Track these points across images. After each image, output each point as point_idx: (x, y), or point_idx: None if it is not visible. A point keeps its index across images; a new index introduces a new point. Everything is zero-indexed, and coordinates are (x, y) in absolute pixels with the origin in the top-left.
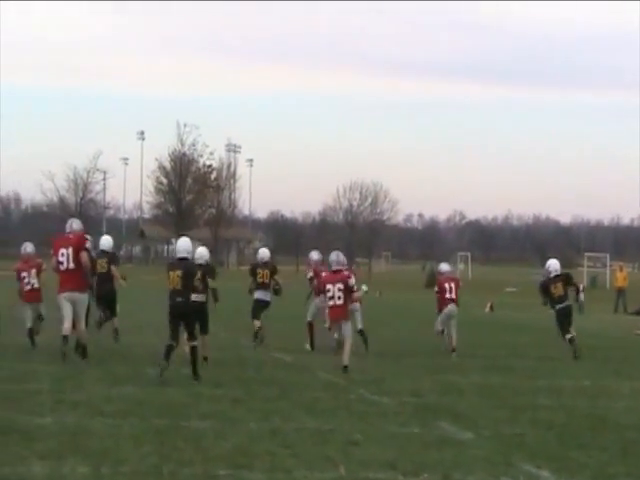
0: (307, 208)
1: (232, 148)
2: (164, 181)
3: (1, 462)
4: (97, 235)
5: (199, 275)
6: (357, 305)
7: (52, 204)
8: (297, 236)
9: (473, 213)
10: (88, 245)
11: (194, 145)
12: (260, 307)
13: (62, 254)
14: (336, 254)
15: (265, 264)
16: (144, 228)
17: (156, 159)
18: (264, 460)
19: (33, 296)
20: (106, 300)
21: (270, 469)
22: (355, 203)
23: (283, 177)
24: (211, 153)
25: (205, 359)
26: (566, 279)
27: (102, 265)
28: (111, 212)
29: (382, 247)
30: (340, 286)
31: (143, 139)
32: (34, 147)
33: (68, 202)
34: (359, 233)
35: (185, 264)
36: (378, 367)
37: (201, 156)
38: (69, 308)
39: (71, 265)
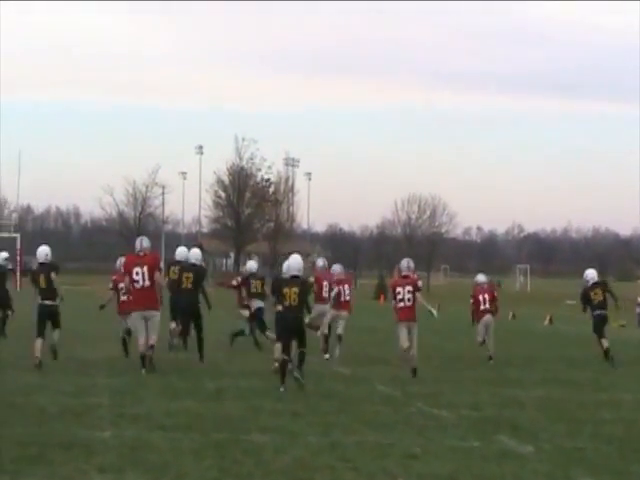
0: (365, 221)
1: (290, 162)
2: (222, 195)
3: (62, 476)
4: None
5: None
6: (345, 313)
7: (111, 219)
8: (355, 249)
9: (532, 226)
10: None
11: (252, 159)
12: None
13: (137, 273)
14: (406, 261)
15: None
16: (203, 242)
17: (214, 173)
18: (324, 474)
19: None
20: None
21: None
22: (413, 216)
23: (341, 190)
24: (269, 167)
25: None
26: (604, 286)
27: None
28: (170, 226)
29: (440, 260)
30: (410, 289)
31: (202, 153)
32: (94, 161)
33: (127, 217)
34: (417, 246)
35: (301, 281)
36: (437, 380)
37: (259, 170)
38: (143, 325)
39: (146, 283)
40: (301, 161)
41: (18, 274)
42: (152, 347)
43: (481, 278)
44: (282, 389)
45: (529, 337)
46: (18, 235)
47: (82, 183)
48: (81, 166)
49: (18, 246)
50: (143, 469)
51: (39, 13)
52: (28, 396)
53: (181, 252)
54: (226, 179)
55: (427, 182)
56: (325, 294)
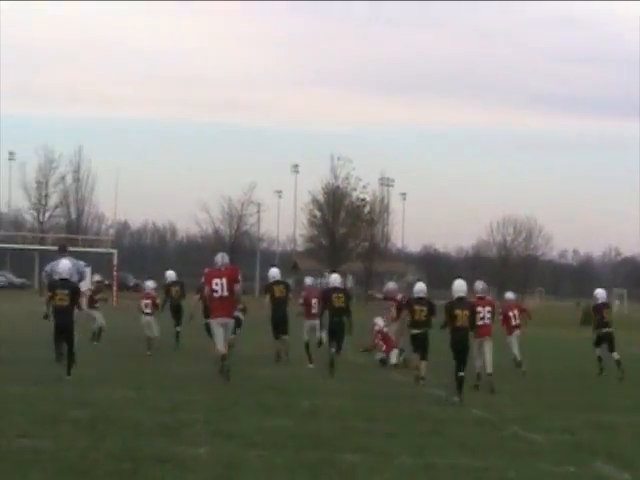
0: (460, 242)
1: (385, 182)
2: (317, 214)
3: None
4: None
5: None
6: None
7: (206, 235)
8: (450, 270)
9: (629, 249)
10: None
11: (347, 178)
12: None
13: (216, 284)
14: (480, 283)
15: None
16: (297, 261)
17: (310, 192)
18: None
19: None
20: (282, 321)
21: None
22: (509, 238)
23: (436, 211)
24: (364, 186)
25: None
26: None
27: (280, 290)
28: (264, 244)
29: (536, 283)
30: (489, 309)
31: (297, 172)
32: (190, 178)
33: (222, 234)
34: (512, 268)
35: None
36: (531, 404)
37: (354, 189)
38: (221, 332)
39: (225, 293)
40: (396, 181)
41: (115, 289)
42: (230, 347)
43: (509, 295)
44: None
45: (625, 362)
46: (115, 251)
47: (178, 200)
48: (178, 183)
49: (115, 262)
50: None
51: (135, 36)
52: (124, 411)
53: (274, 272)
54: (321, 198)
55: (523, 204)
56: (314, 310)
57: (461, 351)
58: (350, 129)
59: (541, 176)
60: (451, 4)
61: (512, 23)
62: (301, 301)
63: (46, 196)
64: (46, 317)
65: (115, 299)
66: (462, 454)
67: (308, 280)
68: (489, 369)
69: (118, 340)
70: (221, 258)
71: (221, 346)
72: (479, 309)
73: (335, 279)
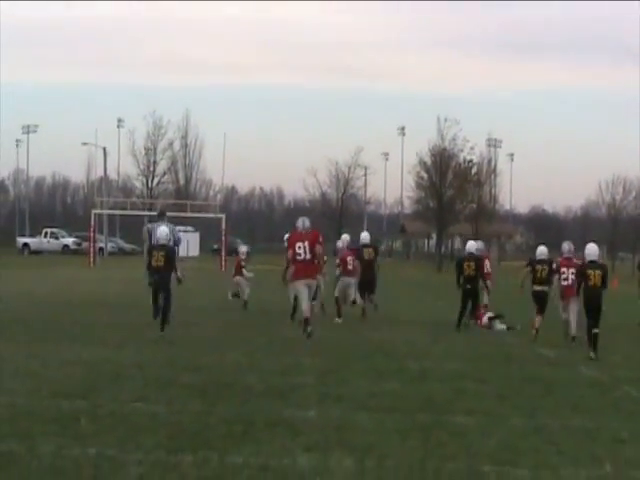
0: (569, 202)
1: (493, 143)
2: (424, 176)
3: (268, 454)
4: (358, 230)
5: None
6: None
7: (314, 199)
8: (559, 231)
9: None
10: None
11: (454, 140)
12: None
13: (299, 247)
14: (568, 244)
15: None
16: (405, 223)
17: (417, 154)
18: (529, 457)
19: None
20: (371, 281)
21: (535, 466)
22: (618, 197)
23: (545, 172)
24: (472, 148)
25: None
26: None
27: (369, 253)
28: (372, 207)
29: None
30: (573, 270)
31: (404, 134)
32: (298, 143)
33: (330, 198)
34: (622, 228)
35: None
36: None
37: (462, 151)
38: (306, 292)
39: (308, 256)
40: (504, 142)
41: (223, 254)
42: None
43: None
44: None
45: None
46: (223, 216)
47: (286, 164)
48: (285, 148)
49: (223, 226)
50: (348, 449)
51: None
52: (236, 375)
53: (365, 236)
54: (428, 160)
55: (632, 163)
56: (349, 267)
57: (593, 309)
58: (457, 91)
59: None
60: None
61: None
62: (337, 261)
63: (154, 162)
64: (150, 284)
65: (224, 264)
66: (574, 415)
67: (340, 243)
68: (573, 331)
69: (233, 307)
70: (302, 223)
71: (306, 307)
72: (563, 269)
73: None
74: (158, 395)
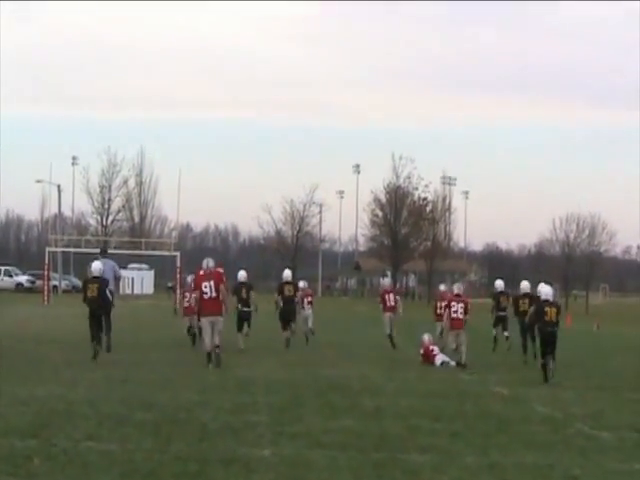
0: (523, 240)
1: (447, 180)
2: (379, 214)
3: None
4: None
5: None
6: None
7: (269, 237)
8: (513, 268)
9: None
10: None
11: (409, 178)
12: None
13: (205, 286)
14: (457, 286)
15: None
16: (359, 261)
17: (372, 192)
18: None
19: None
20: (291, 313)
21: None
22: (572, 235)
23: (498, 209)
24: (426, 185)
25: None
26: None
27: (289, 289)
28: (327, 245)
29: (599, 280)
30: (462, 305)
31: (359, 172)
32: (252, 180)
33: (285, 235)
34: (576, 265)
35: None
36: (597, 401)
37: (416, 189)
38: (209, 328)
39: (213, 294)
40: (458, 180)
41: (178, 291)
42: (218, 347)
43: (442, 287)
44: None
45: None
46: (178, 253)
47: (241, 202)
48: (240, 185)
49: (178, 264)
50: None
51: (197, 36)
52: (190, 413)
53: (286, 274)
54: (383, 198)
55: (586, 200)
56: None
57: (550, 343)
58: (411, 129)
59: (603, 172)
60: (512, 3)
61: (562, 22)
62: (379, 299)
63: (109, 200)
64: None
65: (179, 300)
66: (527, 452)
67: (386, 281)
68: (464, 358)
69: (186, 344)
70: (206, 263)
71: (209, 342)
72: (453, 304)
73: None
74: (111, 433)
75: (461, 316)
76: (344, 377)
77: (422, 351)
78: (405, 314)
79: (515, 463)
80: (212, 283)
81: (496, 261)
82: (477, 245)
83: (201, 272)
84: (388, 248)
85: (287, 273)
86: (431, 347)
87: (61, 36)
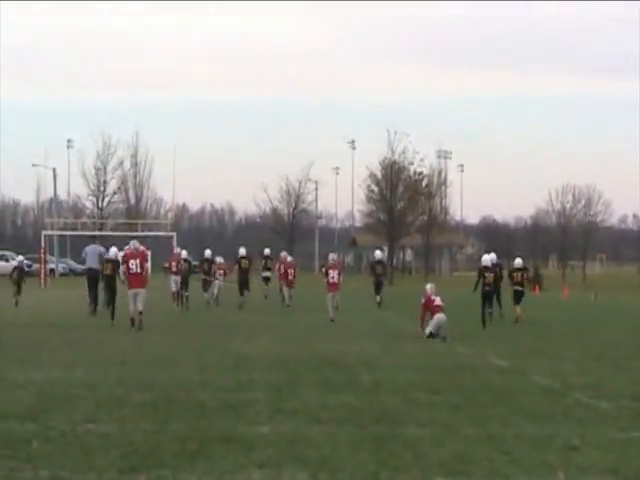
0: (519, 212)
1: (443, 154)
2: (375, 189)
3: (221, 471)
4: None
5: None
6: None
7: (265, 215)
8: (509, 240)
9: None
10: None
11: (404, 152)
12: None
13: (132, 263)
14: (333, 255)
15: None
16: (356, 236)
17: (367, 167)
18: (482, 466)
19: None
20: (245, 283)
21: (489, 475)
22: (568, 206)
23: (495, 181)
24: (422, 160)
25: None
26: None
27: (245, 263)
28: (323, 222)
29: (596, 249)
30: (337, 271)
31: (354, 148)
32: (248, 158)
33: (281, 213)
34: (572, 236)
35: None
36: (595, 370)
37: (412, 163)
38: (133, 298)
39: (138, 270)
40: (453, 153)
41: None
42: (141, 313)
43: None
44: None
45: None
46: (174, 234)
47: (236, 180)
48: (235, 163)
49: (174, 244)
50: (301, 463)
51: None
52: (188, 392)
53: (242, 251)
54: (379, 173)
55: (582, 171)
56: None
57: (489, 299)
58: (407, 103)
59: (599, 142)
60: None
61: None
62: (323, 271)
63: (105, 182)
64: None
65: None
66: (526, 423)
67: (331, 256)
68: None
69: (184, 323)
70: (133, 244)
71: (133, 309)
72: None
73: (378, 254)
74: (110, 415)
75: (336, 280)
76: (341, 352)
77: (423, 300)
78: (402, 288)
79: (514, 434)
80: (138, 261)
81: (492, 233)
82: (473, 218)
83: (128, 251)
84: (384, 223)
85: (242, 250)
86: (432, 297)
87: (54, 19)
